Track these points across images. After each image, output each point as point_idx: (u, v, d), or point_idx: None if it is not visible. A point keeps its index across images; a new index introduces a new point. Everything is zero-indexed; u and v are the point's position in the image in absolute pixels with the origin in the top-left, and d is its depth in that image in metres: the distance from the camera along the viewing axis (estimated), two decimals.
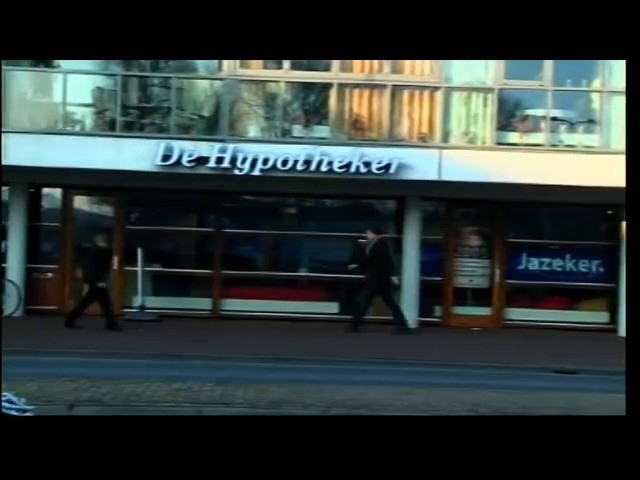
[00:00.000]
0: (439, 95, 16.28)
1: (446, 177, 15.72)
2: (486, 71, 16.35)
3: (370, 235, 16.08)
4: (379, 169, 15.62)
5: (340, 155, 15.57)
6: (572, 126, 16.52)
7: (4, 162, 15.11)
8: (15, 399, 4.84)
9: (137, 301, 16.53)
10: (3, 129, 15.31)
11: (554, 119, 16.34)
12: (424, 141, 16.43)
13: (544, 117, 16.29)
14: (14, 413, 4.73)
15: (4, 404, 4.75)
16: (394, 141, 16.22)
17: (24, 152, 15.25)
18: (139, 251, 16.51)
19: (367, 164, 15.59)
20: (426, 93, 16.40)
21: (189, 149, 15.48)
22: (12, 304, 16.34)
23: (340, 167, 15.54)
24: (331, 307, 17.26)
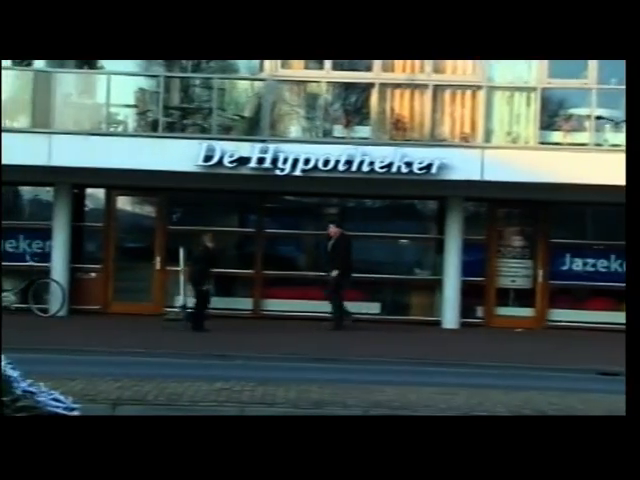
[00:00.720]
0: (481, 94, 16.23)
1: (488, 177, 15.67)
2: (529, 70, 16.28)
3: (332, 230, 16.09)
4: (420, 169, 15.61)
5: (381, 155, 15.59)
6: (617, 125, 16.37)
7: (50, 163, 15.45)
8: (62, 397, 4.94)
9: (179, 301, 16.55)
10: (49, 130, 15.67)
11: (598, 118, 16.22)
12: (466, 141, 16.39)
13: (588, 116, 16.18)
14: (61, 411, 4.81)
15: (50, 402, 4.85)
16: (436, 141, 16.20)
17: (68, 153, 15.45)
18: (181, 251, 16.52)
19: (408, 164, 15.59)
20: (468, 93, 16.36)
21: (230, 149, 15.58)
22: (56, 303, 16.57)
23: (381, 167, 15.56)
24: (372, 307, 17.27)
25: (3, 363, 4.84)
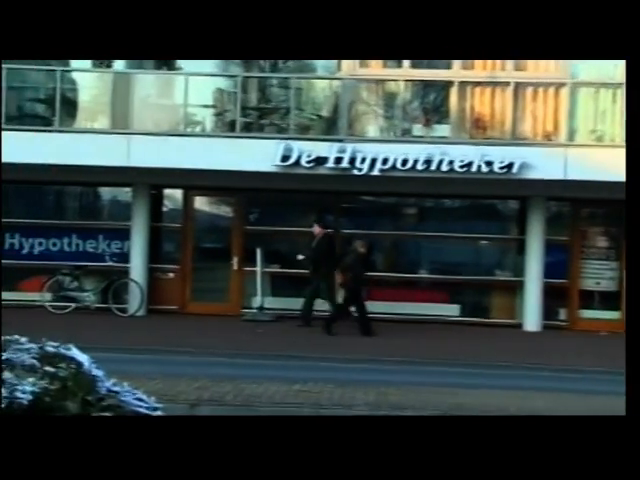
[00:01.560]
0: (565, 92, 16.05)
1: (572, 176, 15.49)
2: (615, 66, 16.02)
3: (316, 229, 16.11)
4: (501, 168, 15.51)
5: (461, 154, 15.51)
6: None
7: (129, 164, 15.72)
8: (145, 397, 5.09)
9: (256, 301, 16.84)
10: (127, 131, 15.98)
11: None
12: (549, 139, 16.22)
13: None
14: (144, 411, 4.95)
15: (134, 401, 5.00)
16: (517, 140, 16.08)
17: (147, 154, 15.70)
18: (258, 251, 16.81)
19: (489, 163, 15.50)
20: (551, 90, 16.19)
21: (308, 149, 15.66)
22: (135, 303, 16.88)
23: (461, 167, 15.49)
24: (452, 309, 17.21)
25: (88, 362, 5.00)
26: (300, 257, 16.57)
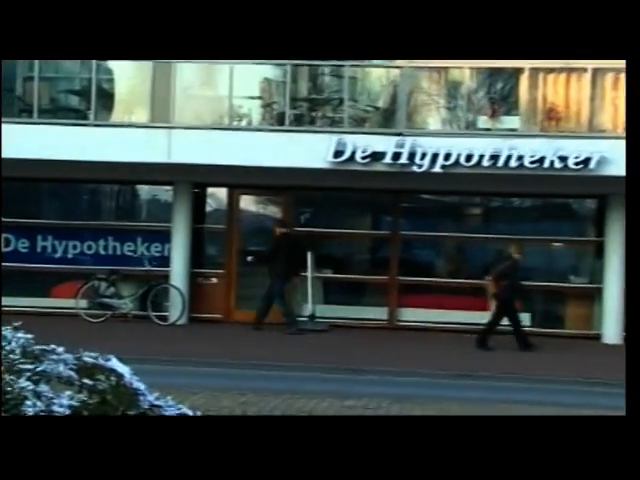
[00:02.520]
0: None
1: None
2: None
3: (277, 230, 16.51)
4: (577, 164, 15.40)
5: (532, 149, 15.43)
6: None
7: (170, 160, 15.86)
8: (190, 412, 5.16)
9: (307, 310, 16.90)
10: (168, 125, 16.12)
11: None
12: None
13: None
14: None
15: (175, 413, 5.07)
16: (594, 132, 15.94)
17: (189, 149, 15.86)
18: (309, 255, 16.86)
19: (563, 159, 15.40)
20: None
21: (363, 144, 15.67)
22: (176, 311, 16.95)
23: (532, 162, 15.41)
24: (521, 318, 16.90)
25: (129, 375, 5.09)
26: (249, 259, 16.94)
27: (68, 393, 4.86)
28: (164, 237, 17.50)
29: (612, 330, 16.42)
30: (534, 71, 16.07)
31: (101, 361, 5.13)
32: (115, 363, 5.13)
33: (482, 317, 16.55)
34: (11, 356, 4.94)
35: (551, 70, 16.11)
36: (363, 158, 15.65)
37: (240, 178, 16.71)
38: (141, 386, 5.06)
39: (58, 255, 17.87)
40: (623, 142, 15.62)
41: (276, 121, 16.83)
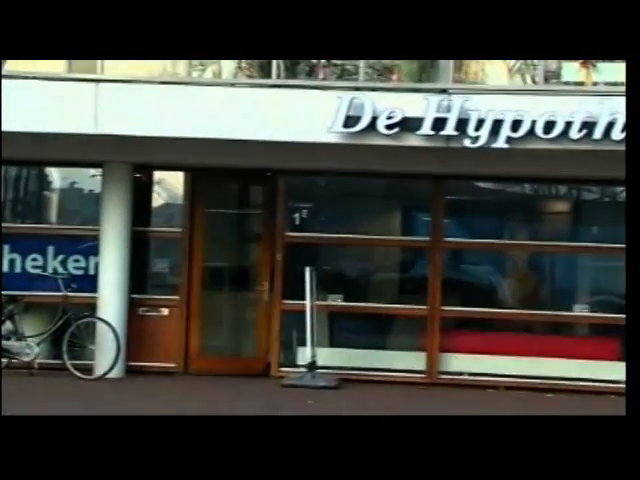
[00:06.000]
0: None
1: None
2: None
3: None
4: None
5: None
6: None
7: (97, 130, 15.51)
8: None
9: (304, 355, 16.68)
10: (93, 76, 15.78)
11: None
12: None
13: None
14: None
15: None
16: None
17: (125, 113, 15.59)
18: (307, 273, 16.62)
19: None
20: None
21: (388, 106, 15.35)
22: (106, 358, 16.52)
23: None
24: (619, 369, 16.52)
25: None
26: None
27: None
28: (89, 247, 17.44)
29: None
30: None
31: None
32: None
33: (574, 368, 16.93)
34: None
35: None
36: (388, 127, 15.34)
37: (203, 157, 16.44)
38: None
39: None
40: None
41: (258, 72, 16.69)
